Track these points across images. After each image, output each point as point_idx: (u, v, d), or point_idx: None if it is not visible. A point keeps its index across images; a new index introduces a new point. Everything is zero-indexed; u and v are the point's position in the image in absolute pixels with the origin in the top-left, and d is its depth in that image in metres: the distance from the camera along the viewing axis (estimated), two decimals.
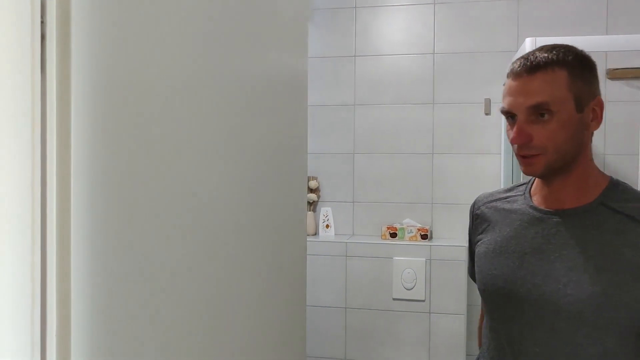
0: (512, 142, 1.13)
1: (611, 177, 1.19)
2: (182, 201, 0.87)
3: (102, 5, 0.68)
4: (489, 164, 2.79)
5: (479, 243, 1.32)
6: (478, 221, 1.35)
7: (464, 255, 2.65)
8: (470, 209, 1.40)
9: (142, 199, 0.76)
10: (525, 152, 1.12)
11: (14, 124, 0.59)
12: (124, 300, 0.72)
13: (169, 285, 0.83)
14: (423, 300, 2.70)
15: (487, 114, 2.70)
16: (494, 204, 1.32)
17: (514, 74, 1.14)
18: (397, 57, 2.89)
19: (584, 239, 1.12)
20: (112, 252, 0.69)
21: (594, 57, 1.18)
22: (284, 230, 1.35)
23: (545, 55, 1.12)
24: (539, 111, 1.10)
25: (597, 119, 1.14)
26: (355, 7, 2.92)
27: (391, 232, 2.82)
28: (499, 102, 2.67)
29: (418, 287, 2.70)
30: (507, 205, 1.27)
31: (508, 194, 1.31)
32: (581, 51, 1.16)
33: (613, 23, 2.65)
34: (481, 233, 1.32)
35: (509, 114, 1.15)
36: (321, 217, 2.95)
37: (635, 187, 1.17)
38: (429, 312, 2.70)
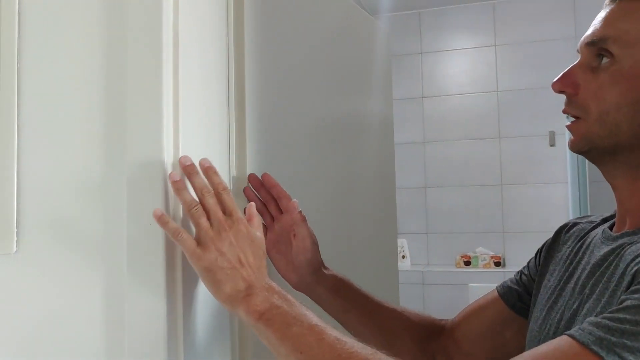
0: (552, 87, 0.80)
1: None
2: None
3: (258, 80, 0.96)
4: (556, 193, 2.92)
5: None
6: None
7: None
8: None
9: None
10: (565, 108, 0.79)
11: (219, 147, 0.85)
12: None
13: None
14: None
15: (552, 146, 2.86)
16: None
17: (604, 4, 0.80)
18: (463, 96, 3.10)
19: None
20: None
21: None
22: (378, 257, 1.56)
23: None
24: (598, 52, 0.75)
25: None
26: (421, 53, 3.17)
27: (465, 260, 2.97)
28: (563, 134, 2.83)
29: None
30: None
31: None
32: None
33: None
34: None
35: None
36: (397, 249, 3.13)
37: None
38: None
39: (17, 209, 0.76)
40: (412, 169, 3.16)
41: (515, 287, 0.93)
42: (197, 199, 0.72)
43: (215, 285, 0.70)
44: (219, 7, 0.89)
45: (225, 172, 0.88)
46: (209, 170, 0.75)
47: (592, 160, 0.80)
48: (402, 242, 3.14)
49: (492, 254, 2.96)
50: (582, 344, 0.59)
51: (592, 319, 0.62)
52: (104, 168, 0.74)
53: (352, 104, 1.41)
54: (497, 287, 0.96)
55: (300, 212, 0.89)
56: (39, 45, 0.76)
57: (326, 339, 0.65)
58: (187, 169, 0.72)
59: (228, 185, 0.78)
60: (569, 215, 2.77)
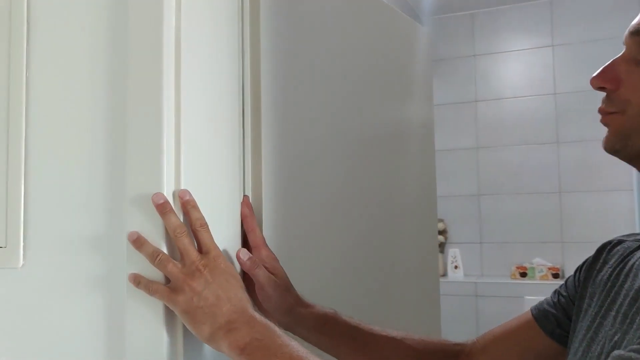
0: (590, 82, 0.73)
1: None
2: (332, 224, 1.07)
3: (280, 92, 0.92)
4: (621, 201, 2.74)
5: None
6: None
7: None
8: None
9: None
10: (601, 107, 0.72)
11: (229, 170, 0.82)
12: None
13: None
14: None
15: None
16: None
17: None
18: (518, 99, 2.96)
19: None
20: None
21: None
22: (416, 271, 1.48)
23: None
24: None
25: None
26: (474, 55, 3.06)
27: (521, 271, 2.83)
28: None
29: None
30: None
31: None
32: None
33: None
34: None
35: None
36: (449, 259, 3.03)
37: None
38: None
39: (23, 225, 0.76)
40: (464, 176, 3.05)
41: (553, 310, 0.83)
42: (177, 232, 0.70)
43: (195, 326, 0.68)
44: (230, 11, 0.86)
45: (237, 193, 0.85)
46: (187, 205, 0.71)
47: (628, 161, 0.72)
48: (455, 252, 3.03)
49: (549, 265, 2.81)
50: None
51: (616, 352, 0.55)
52: (106, 187, 0.73)
53: (388, 111, 1.35)
54: (531, 310, 0.86)
55: (249, 259, 0.80)
56: (46, 78, 0.77)
57: None
58: (159, 208, 0.69)
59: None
60: (635, 224, 2.60)
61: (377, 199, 1.26)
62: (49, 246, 0.75)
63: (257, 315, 0.69)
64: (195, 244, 0.71)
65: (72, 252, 0.74)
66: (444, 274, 3.05)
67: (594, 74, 0.72)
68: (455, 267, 3.00)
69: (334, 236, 1.09)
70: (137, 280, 0.69)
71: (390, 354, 0.87)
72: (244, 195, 0.87)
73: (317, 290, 0.99)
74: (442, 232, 3.06)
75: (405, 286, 1.39)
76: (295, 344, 0.66)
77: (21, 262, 0.76)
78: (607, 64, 0.72)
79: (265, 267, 0.82)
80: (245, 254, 0.79)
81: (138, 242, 0.69)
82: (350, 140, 1.16)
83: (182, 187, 0.72)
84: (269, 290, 0.81)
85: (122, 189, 0.72)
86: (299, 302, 0.85)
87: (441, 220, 3.07)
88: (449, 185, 3.09)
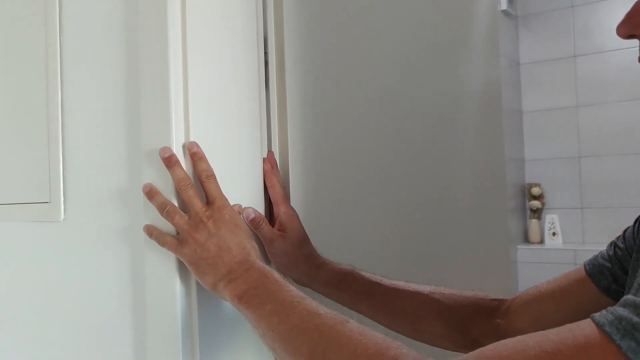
0: (617, 32, 0.65)
1: None
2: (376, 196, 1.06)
3: (308, 39, 0.91)
4: None
5: None
6: None
7: None
8: None
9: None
10: None
11: (249, 123, 0.85)
12: None
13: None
14: None
15: None
16: None
17: None
18: (625, 51, 2.70)
19: None
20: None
21: None
22: (480, 238, 1.43)
23: None
24: None
25: None
26: (572, 6, 2.83)
27: None
28: None
29: None
30: None
31: None
32: None
33: None
34: None
35: None
36: (547, 225, 2.87)
37: None
38: None
39: (63, 183, 0.84)
40: (563, 137, 2.86)
41: (608, 264, 0.74)
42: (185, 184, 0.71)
43: (200, 277, 0.70)
44: None
45: (258, 149, 0.85)
46: (194, 157, 0.73)
47: None
48: (553, 218, 2.86)
49: None
50: (598, 324, 0.47)
51: (625, 296, 0.50)
52: (127, 145, 0.78)
53: (442, 67, 1.29)
54: (584, 264, 0.77)
55: (253, 219, 0.80)
56: (77, 60, 0.82)
57: (296, 313, 0.61)
58: (166, 162, 0.71)
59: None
60: None
61: (428, 162, 1.22)
62: (84, 202, 0.82)
63: (257, 263, 0.69)
64: (204, 196, 0.73)
65: (103, 206, 0.80)
66: (541, 241, 2.90)
67: (620, 22, 0.63)
68: (553, 233, 2.84)
69: (377, 200, 1.05)
70: (150, 232, 0.72)
71: (413, 308, 0.84)
72: (269, 151, 0.87)
73: (350, 251, 1.00)
74: (538, 197, 2.90)
75: (469, 255, 1.35)
76: (291, 288, 0.65)
77: (62, 216, 0.84)
78: (632, 6, 0.62)
79: (280, 223, 0.84)
80: (250, 213, 0.81)
81: (150, 193, 0.72)
82: (398, 97, 1.11)
83: (192, 140, 0.75)
84: (276, 247, 0.82)
85: (139, 145, 0.77)
86: (312, 259, 0.85)
87: (537, 185, 2.91)
88: (545, 148, 2.91)
